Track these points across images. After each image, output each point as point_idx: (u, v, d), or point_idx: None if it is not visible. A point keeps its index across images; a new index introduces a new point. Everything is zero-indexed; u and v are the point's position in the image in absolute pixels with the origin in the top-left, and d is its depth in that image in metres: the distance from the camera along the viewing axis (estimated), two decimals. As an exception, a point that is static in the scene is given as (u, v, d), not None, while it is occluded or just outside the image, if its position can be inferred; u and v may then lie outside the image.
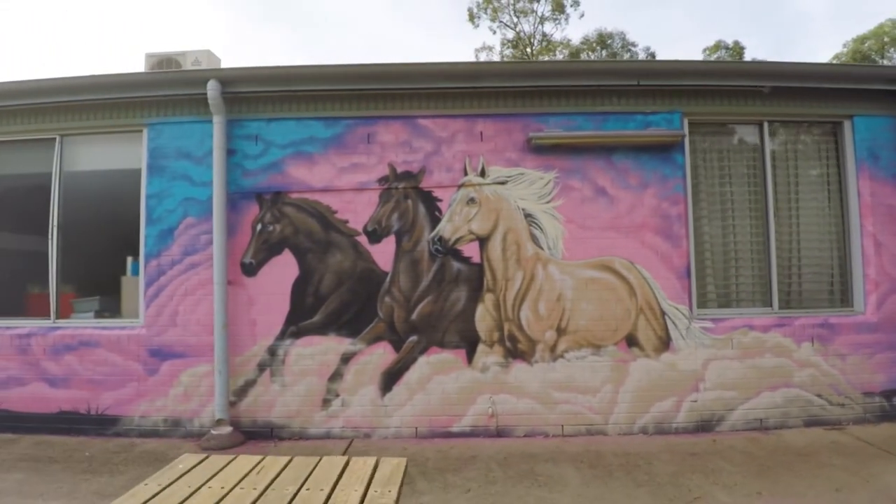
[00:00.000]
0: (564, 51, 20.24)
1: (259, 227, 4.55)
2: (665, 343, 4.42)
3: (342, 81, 4.51)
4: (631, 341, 4.42)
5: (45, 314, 4.82)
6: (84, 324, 4.70)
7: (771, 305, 4.60)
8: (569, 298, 4.42)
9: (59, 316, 4.77)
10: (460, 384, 4.42)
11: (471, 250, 4.50)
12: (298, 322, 4.49)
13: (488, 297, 4.45)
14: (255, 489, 2.16)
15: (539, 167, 4.52)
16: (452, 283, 4.47)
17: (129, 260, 4.87)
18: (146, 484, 2.22)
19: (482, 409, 4.40)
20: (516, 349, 4.42)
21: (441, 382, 4.43)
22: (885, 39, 19.54)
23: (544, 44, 19.53)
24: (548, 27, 20.04)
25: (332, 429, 4.43)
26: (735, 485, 3.41)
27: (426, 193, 4.54)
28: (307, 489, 2.15)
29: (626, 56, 19.53)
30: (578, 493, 3.32)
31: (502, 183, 4.51)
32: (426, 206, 4.53)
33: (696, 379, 4.42)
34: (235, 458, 2.52)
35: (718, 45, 19.37)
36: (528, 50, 20.61)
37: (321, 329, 4.48)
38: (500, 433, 4.37)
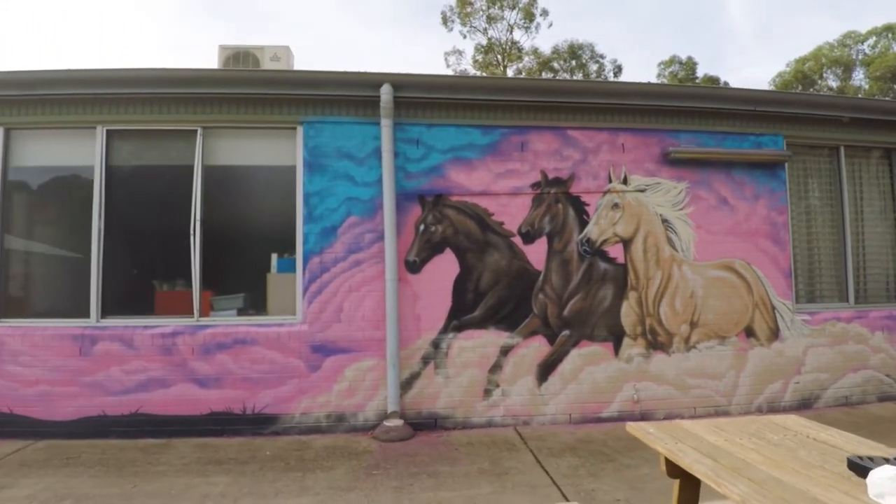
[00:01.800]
0: (534, 60, 21.25)
1: (422, 227, 4.72)
2: (775, 333, 5.12)
3: (501, 93, 4.81)
4: (749, 332, 5.08)
5: (182, 312, 4.67)
6: (237, 321, 4.62)
7: (847, 300, 5.45)
8: (699, 296, 5.00)
9: (200, 314, 4.65)
10: (608, 374, 4.85)
11: (615, 252, 4.95)
12: (460, 317, 4.71)
13: (632, 295, 4.92)
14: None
15: (672, 178, 5.07)
16: (600, 282, 4.89)
17: (275, 257, 4.85)
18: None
19: (627, 395, 4.86)
20: (656, 341, 4.93)
21: (591, 372, 4.83)
22: (824, 61, 22.36)
23: (514, 51, 20.46)
24: (516, 35, 21.05)
25: (493, 417, 4.69)
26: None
27: (574, 198, 4.94)
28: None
29: (595, 67, 21.01)
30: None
31: (642, 191, 5.01)
32: (575, 210, 4.93)
33: (798, 364, 5.15)
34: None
35: (673, 60, 21.32)
36: (499, 57, 21.45)
37: (481, 323, 4.73)
38: (643, 416, 4.84)
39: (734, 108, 5.15)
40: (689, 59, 21.03)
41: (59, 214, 5.06)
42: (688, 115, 5.12)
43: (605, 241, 4.93)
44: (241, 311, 4.78)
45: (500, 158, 4.85)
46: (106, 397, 4.48)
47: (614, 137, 5.04)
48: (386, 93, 4.53)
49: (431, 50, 44.70)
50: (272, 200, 4.88)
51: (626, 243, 4.96)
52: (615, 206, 4.96)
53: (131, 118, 4.70)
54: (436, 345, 4.66)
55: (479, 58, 21.58)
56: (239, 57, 6.38)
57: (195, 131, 4.73)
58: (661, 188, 5.04)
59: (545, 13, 20.59)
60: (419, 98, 4.70)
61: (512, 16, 21.10)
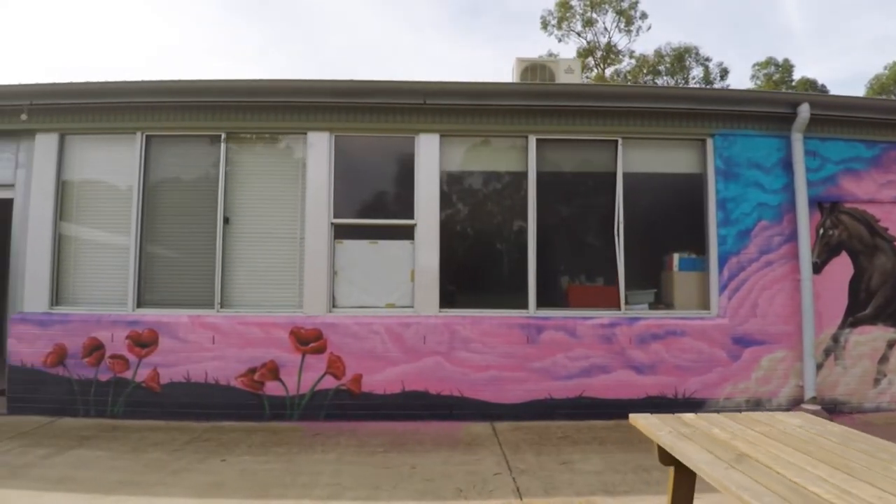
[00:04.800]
0: (633, 62, 21.29)
1: (821, 231, 5.22)
2: None
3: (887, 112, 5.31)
4: None
5: (599, 305, 5.11)
6: (665, 314, 5.08)
7: None
8: None
9: (624, 307, 5.09)
10: (972, 365, 5.40)
11: (973, 256, 5.50)
12: (854, 314, 5.21)
13: None
14: None
15: None
16: (962, 283, 5.44)
17: (676, 256, 5.30)
18: None
19: None
20: None
21: (958, 364, 5.38)
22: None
23: (612, 55, 20.86)
24: (615, 37, 21.38)
25: (880, 403, 5.21)
26: None
27: (940, 208, 5.47)
28: None
29: (700, 70, 21.34)
30: None
31: None
32: (941, 218, 5.46)
33: None
34: None
35: (769, 62, 21.85)
36: (593, 60, 21.72)
37: (871, 320, 5.24)
38: None
39: None
40: (786, 60, 21.64)
41: (493, 215, 5.39)
42: None
43: (964, 247, 5.49)
44: (651, 306, 5.22)
45: (882, 170, 5.36)
46: (552, 382, 4.91)
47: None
48: (804, 111, 5.00)
49: (474, 53, 44.68)
50: (676, 205, 5.33)
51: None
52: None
53: (558, 128, 5.13)
54: (835, 339, 5.17)
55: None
56: (536, 69, 6.81)
57: (615, 141, 5.17)
58: None
59: (644, 16, 21.24)
60: (824, 115, 5.18)
61: (608, 19, 21.52)
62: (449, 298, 5.03)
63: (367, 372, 4.89)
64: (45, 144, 5.23)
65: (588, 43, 21.32)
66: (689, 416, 2.73)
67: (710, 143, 5.20)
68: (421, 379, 4.88)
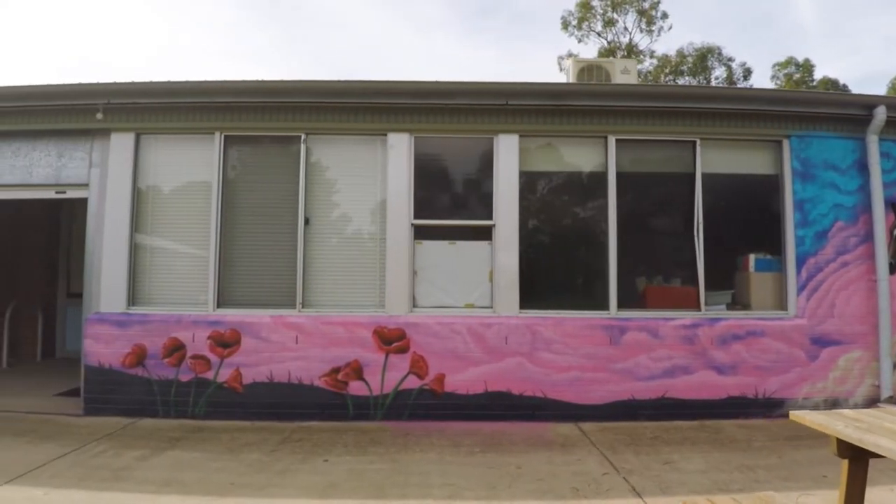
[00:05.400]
0: (654, 62, 21.24)
1: (895, 231, 5.27)
2: None
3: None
4: None
5: (676, 306, 5.14)
6: (745, 315, 5.11)
7: None
8: None
9: (699, 308, 5.12)
10: None
11: None
12: (927, 314, 5.28)
13: None
14: None
15: None
16: None
17: (752, 257, 5.33)
18: None
19: None
20: None
21: None
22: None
23: (632, 55, 20.86)
24: (636, 38, 21.43)
25: (953, 404, 5.26)
26: None
27: None
28: None
29: (723, 71, 21.30)
30: None
31: None
32: None
33: None
34: None
35: (789, 62, 21.89)
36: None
37: (941, 320, 5.30)
38: None
39: None
40: (807, 60, 21.70)
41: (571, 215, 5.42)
42: None
43: None
44: (730, 307, 5.26)
45: (950, 172, 5.42)
46: (635, 382, 4.93)
47: None
48: (881, 113, 5.05)
49: (487, 54, 44.57)
50: (751, 206, 5.37)
51: None
52: None
53: (637, 129, 5.16)
54: (909, 338, 5.23)
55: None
56: (592, 70, 6.84)
57: (693, 142, 5.20)
58: None
59: (665, 16, 21.32)
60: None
61: (629, 19, 21.48)
62: (528, 299, 5.04)
63: (450, 372, 4.89)
64: (122, 144, 5.21)
65: (609, 43, 21.43)
66: (846, 412, 2.75)
67: (786, 144, 5.24)
68: (503, 379, 4.89)
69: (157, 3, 46.14)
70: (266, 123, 5.17)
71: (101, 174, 5.26)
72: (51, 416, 5.01)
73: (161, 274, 5.19)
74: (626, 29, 21.41)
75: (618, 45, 21.59)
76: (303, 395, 4.89)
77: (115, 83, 5.13)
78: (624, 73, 6.78)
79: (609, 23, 21.24)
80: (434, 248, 5.13)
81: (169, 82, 5.11)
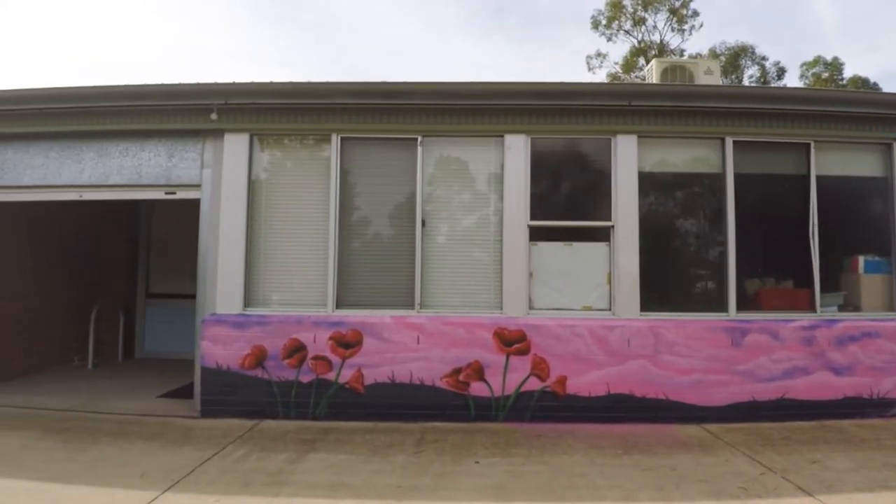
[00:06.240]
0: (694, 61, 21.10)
1: None
2: None
3: None
4: None
5: (789, 308, 5.18)
6: (859, 316, 5.15)
7: None
8: None
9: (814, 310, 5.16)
10: None
11: None
12: None
13: None
14: None
15: None
16: None
17: (861, 259, 5.37)
18: None
19: None
20: None
21: None
22: None
23: (666, 55, 20.86)
24: (667, 37, 21.48)
25: None
26: None
27: None
28: None
29: (756, 70, 21.30)
30: None
31: None
32: None
33: None
34: None
35: (817, 61, 21.91)
36: (642, 60, 21.68)
37: None
38: None
39: None
40: (835, 59, 21.74)
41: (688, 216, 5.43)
42: None
43: None
44: (841, 308, 5.30)
45: None
46: (755, 384, 4.96)
47: None
48: None
49: (499, 54, 44.49)
50: (860, 207, 5.40)
51: None
52: None
53: (754, 131, 5.18)
54: None
55: (620, 60, 21.81)
56: (675, 70, 6.86)
57: (808, 144, 5.24)
58: None
59: (696, 14, 21.37)
60: None
61: (659, 18, 21.47)
62: (647, 301, 5.06)
63: (572, 374, 4.91)
64: (236, 145, 5.20)
65: (639, 42, 21.48)
66: None
67: (895, 147, 5.30)
68: (625, 382, 4.91)
69: (167, 4, 45.92)
70: (383, 125, 5.16)
71: (214, 175, 5.24)
72: (167, 418, 5.00)
73: (276, 275, 5.18)
74: (654, 27, 21.49)
75: (649, 44, 21.64)
76: (424, 396, 4.90)
77: (232, 83, 5.11)
78: (707, 74, 6.80)
79: (638, 22, 21.28)
80: (550, 250, 5.14)
81: (287, 83, 5.10)
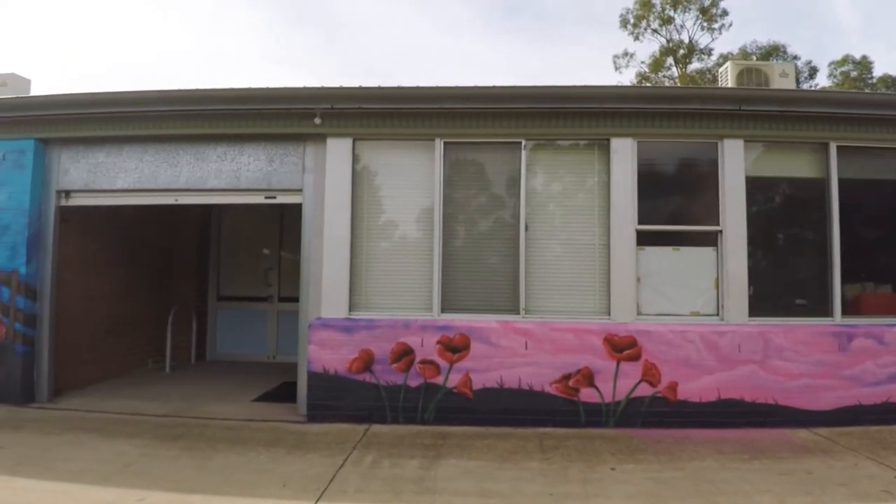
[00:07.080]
0: (716, 60, 21.15)
1: None
2: None
3: None
4: None
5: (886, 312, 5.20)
6: None
7: None
8: None
9: (916, 315, 5.18)
10: None
11: None
12: None
13: None
14: None
15: None
16: None
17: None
18: None
19: None
20: None
21: None
22: None
23: (697, 54, 20.86)
24: (696, 36, 21.45)
25: None
26: None
27: None
28: None
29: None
30: None
31: None
32: None
33: None
34: None
35: (846, 60, 21.82)
36: (671, 59, 21.64)
37: None
38: None
39: None
40: (864, 57, 21.56)
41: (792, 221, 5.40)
42: None
43: None
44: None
45: None
46: (861, 388, 4.97)
47: None
48: None
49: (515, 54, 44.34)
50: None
51: None
52: None
53: (858, 136, 5.18)
54: None
55: (647, 60, 21.80)
56: (751, 73, 6.85)
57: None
58: None
59: (725, 13, 21.33)
60: None
61: (688, 17, 21.42)
62: (754, 306, 5.07)
63: (683, 380, 4.91)
64: (339, 149, 5.18)
65: (668, 42, 21.46)
66: None
67: None
68: (736, 387, 4.91)
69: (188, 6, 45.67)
70: (487, 129, 5.15)
71: (316, 179, 5.22)
72: (274, 423, 4.98)
73: (380, 279, 5.17)
74: (682, 26, 21.46)
75: (678, 43, 21.63)
76: (534, 402, 4.90)
77: (336, 88, 5.10)
78: (782, 77, 6.78)
79: (666, 21, 21.24)
80: (657, 255, 5.13)
81: (392, 87, 5.08)
